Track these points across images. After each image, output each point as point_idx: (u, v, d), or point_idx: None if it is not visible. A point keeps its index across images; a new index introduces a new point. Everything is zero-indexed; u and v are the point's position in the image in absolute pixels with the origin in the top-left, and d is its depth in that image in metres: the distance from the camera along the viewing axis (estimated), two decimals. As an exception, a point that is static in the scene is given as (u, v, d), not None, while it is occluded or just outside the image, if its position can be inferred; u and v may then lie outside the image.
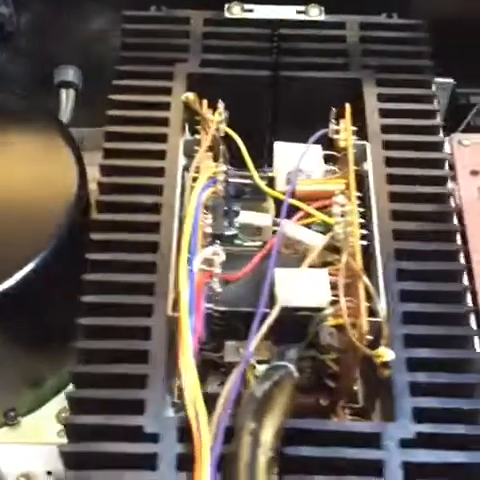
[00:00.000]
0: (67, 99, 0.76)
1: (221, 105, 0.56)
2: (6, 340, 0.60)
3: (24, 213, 0.60)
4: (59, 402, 0.66)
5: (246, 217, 0.58)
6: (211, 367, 0.54)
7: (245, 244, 0.56)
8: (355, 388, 0.55)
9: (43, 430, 0.65)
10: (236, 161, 0.58)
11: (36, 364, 0.64)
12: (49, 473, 0.61)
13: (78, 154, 0.63)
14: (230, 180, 0.57)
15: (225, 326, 0.51)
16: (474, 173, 0.66)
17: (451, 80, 0.76)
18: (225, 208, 0.57)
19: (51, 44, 0.75)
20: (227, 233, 0.57)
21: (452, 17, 0.73)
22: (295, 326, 0.51)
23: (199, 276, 0.49)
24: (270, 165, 0.59)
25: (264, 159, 0.61)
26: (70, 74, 0.76)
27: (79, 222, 0.60)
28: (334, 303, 0.50)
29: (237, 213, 0.58)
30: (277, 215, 0.56)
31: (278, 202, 0.57)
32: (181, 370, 0.45)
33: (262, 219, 0.58)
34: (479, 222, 0.61)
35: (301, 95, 0.62)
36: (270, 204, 0.59)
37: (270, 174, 0.58)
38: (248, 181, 0.58)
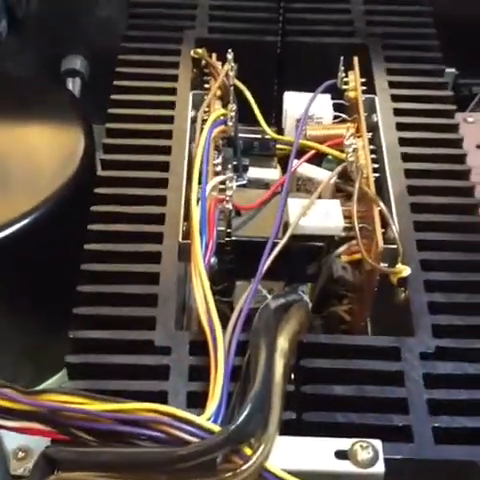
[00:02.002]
0: (73, 87, 0.77)
1: (230, 55, 0.57)
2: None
3: (30, 170, 0.60)
4: (60, 379, 0.64)
5: (255, 172, 0.58)
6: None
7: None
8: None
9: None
10: (245, 119, 0.58)
11: (36, 333, 0.62)
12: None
13: (87, 121, 0.64)
14: (239, 135, 0.58)
15: (237, 260, 0.50)
16: (480, 147, 0.67)
17: (453, 70, 0.77)
18: (235, 163, 0.57)
19: (60, 32, 0.76)
20: (238, 183, 0.56)
21: (455, 8, 0.75)
22: (308, 262, 0.50)
23: (211, 200, 0.48)
24: (278, 131, 0.60)
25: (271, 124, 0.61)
26: (77, 63, 0.77)
27: (86, 182, 0.60)
28: (348, 239, 0.50)
29: (246, 168, 0.58)
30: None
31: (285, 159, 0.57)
32: (194, 283, 0.44)
33: (270, 173, 0.58)
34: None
35: (308, 61, 0.63)
36: (275, 162, 0.59)
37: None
38: (257, 136, 0.59)
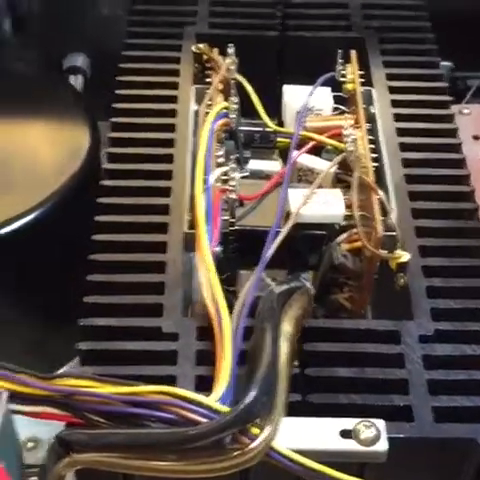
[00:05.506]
0: (75, 85, 0.78)
1: (231, 49, 0.58)
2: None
3: (36, 165, 0.61)
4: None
5: (256, 164, 0.59)
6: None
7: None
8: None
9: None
10: (246, 113, 0.60)
11: (45, 323, 0.63)
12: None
13: (91, 116, 0.65)
14: (240, 128, 0.59)
15: (240, 249, 0.52)
16: (476, 138, 0.69)
17: (449, 63, 0.78)
18: (236, 155, 0.59)
19: (62, 30, 0.77)
20: (240, 175, 0.58)
21: (451, 2, 0.76)
22: (310, 250, 0.52)
23: (215, 191, 0.50)
24: (280, 124, 0.61)
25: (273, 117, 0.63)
26: (79, 61, 0.78)
27: (91, 177, 0.61)
28: (349, 228, 0.51)
29: (247, 160, 0.59)
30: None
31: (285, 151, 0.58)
32: (199, 269, 0.46)
33: (271, 165, 0.59)
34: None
35: (307, 55, 0.64)
36: (276, 155, 0.60)
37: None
38: (258, 128, 0.60)
